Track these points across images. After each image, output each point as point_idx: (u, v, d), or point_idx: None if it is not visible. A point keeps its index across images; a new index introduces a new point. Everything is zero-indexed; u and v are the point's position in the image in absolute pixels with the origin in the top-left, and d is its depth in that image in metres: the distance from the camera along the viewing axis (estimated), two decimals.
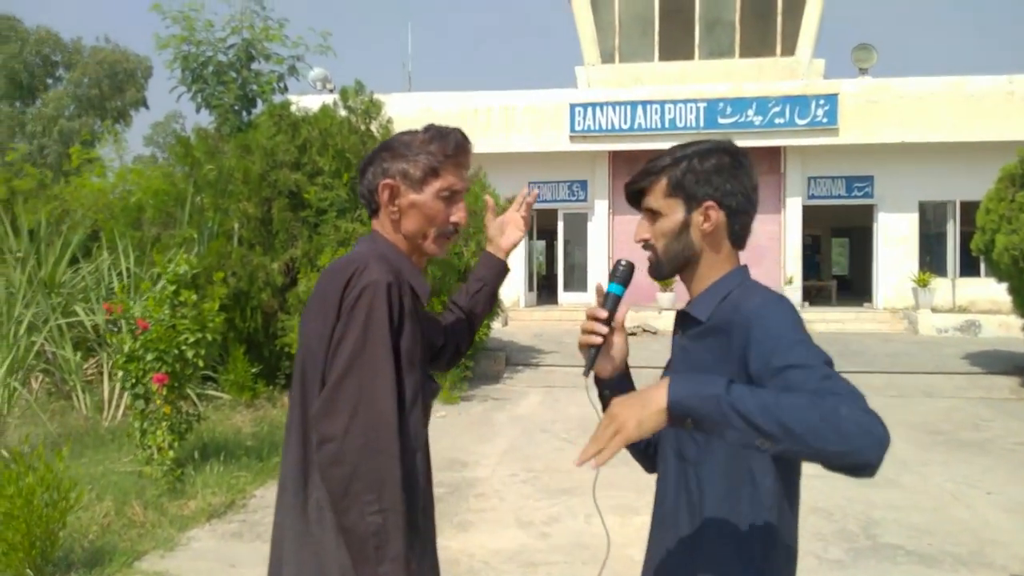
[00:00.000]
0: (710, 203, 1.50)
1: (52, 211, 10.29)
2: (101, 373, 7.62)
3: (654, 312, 15.77)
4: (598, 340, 1.56)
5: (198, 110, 10.54)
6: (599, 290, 1.60)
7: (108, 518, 4.67)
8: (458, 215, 1.72)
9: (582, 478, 5.61)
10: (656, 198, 1.54)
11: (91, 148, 13.77)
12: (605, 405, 1.71)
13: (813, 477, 5.94)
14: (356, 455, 1.46)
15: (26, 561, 3.73)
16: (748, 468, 1.44)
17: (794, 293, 17.09)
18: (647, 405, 1.23)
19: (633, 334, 15.64)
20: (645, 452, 1.72)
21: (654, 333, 14.74)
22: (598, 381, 1.65)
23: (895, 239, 17.50)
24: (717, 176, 1.50)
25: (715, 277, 1.54)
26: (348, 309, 1.51)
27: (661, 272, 1.58)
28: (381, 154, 1.71)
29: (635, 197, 1.59)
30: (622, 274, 1.59)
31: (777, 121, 16.69)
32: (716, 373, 1.42)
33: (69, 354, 7.40)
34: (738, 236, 1.55)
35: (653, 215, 1.55)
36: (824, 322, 16.74)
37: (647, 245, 1.57)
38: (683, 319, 1.57)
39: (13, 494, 3.68)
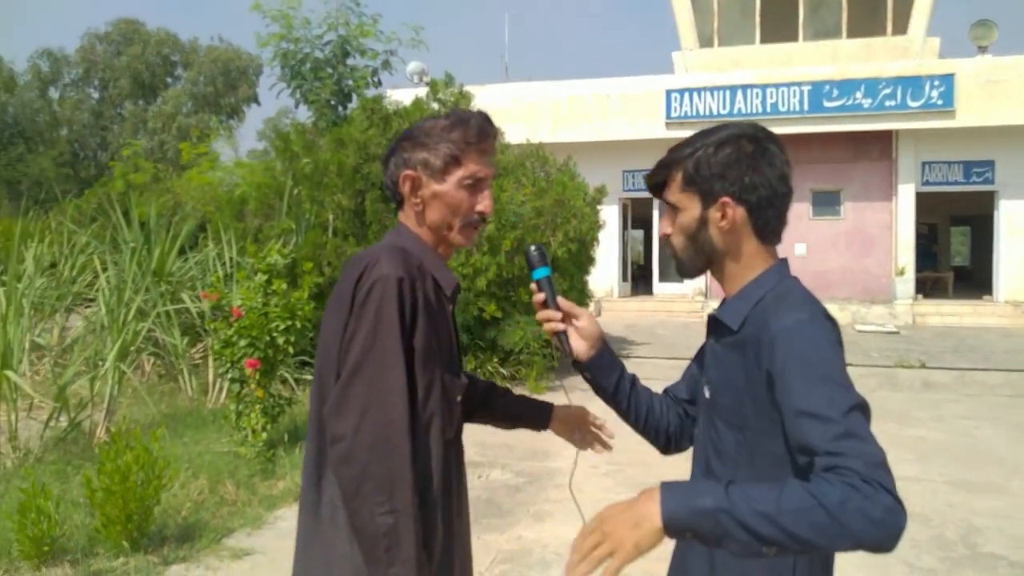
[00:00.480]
0: (726, 199, 1.39)
1: (165, 203, 10.91)
2: (206, 358, 8.04)
3: None
4: (559, 327, 1.59)
5: (296, 106, 10.91)
6: (534, 289, 1.63)
7: (202, 496, 4.91)
8: (484, 204, 1.62)
9: (666, 472, 5.50)
10: (673, 192, 1.45)
11: (199, 144, 14.48)
12: (594, 388, 1.67)
13: (911, 480, 5.63)
14: (366, 455, 1.41)
15: (123, 534, 3.96)
16: None
17: (906, 285, 16.26)
18: (640, 524, 1.14)
19: None
20: (656, 436, 1.69)
21: None
22: (578, 364, 1.63)
23: (1019, 227, 16.34)
24: (734, 168, 1.38)
25: (748, 277, 1.43)
26: (359, 305, 1.47)
27: (684, 270, 1.49)
28: (402, 144, 1.63)
29: (658, 189, 1.51)
30: (536, 258, 1.63)
31: (888, 104, 15.84)
32: (746, 389, 1.35)
33: (176, 339, 7.82)
34: (765, 232, 1.43)
35: (674, 209, 1.46)
36: (939, 315, 15.88)
37: (668, 241, 1.49)
38: (715, 324, 1.48)
39: (111, 471, 3.92)
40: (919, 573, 4.07)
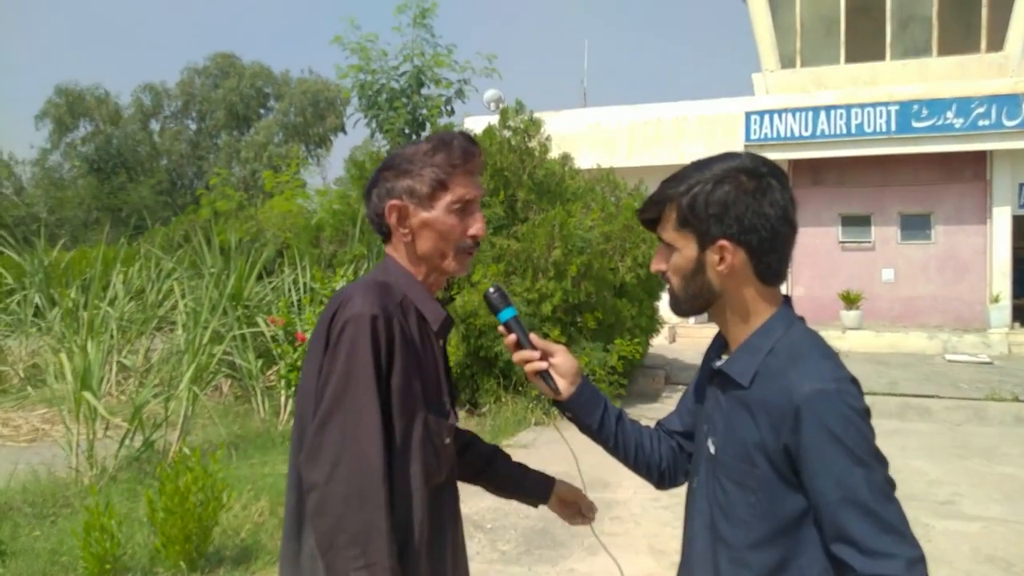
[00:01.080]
0: (724, 242, 1.30)
1: (247, 230, 11.34)
2: (280, 380, 8.28)
3: (837, 331, 14.77)
4: (540, 365, 1.54)
5: (372, 135, 11.21)
6: (503, 332, 1.59)
7: (262, 517, 5.02)
8: (476, 227, 1.56)
9: None
10: (667, 230, 1.37)
11: (281, 173, 15.02)
12: (578, 427, 1.61)
13: (995, 521, 5.31)
14: (340, 505, 1.34)
15: (181, 554, 4.09)
16: (792, 555, 1.27)
17: (1001, 313, 15.37)
18: None
19: None
20: (648, 473, 1.62)
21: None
22: (560, 404, 1.57)
23: None
24: (733, 207, 1.29)
25: (752, 324, 1.35)
26: (332, 346, 1.40)
27: (681, 310, 1.41)
28: (383, 173, 1.56)
29: (651, 224, 1.43)
30: (498, 300, 1.59)
31: (981, 123, 15.11)
32: (758, 451, 1.29)
33: (250, 362, 8.08)
34: (767, 274, 1.33)
35: (668, 247, 1.38)
36: None
37: (664, 276, 1.42)
38: (721, 376, 1.38)
39: (171, 491, 4.05)
40: None
